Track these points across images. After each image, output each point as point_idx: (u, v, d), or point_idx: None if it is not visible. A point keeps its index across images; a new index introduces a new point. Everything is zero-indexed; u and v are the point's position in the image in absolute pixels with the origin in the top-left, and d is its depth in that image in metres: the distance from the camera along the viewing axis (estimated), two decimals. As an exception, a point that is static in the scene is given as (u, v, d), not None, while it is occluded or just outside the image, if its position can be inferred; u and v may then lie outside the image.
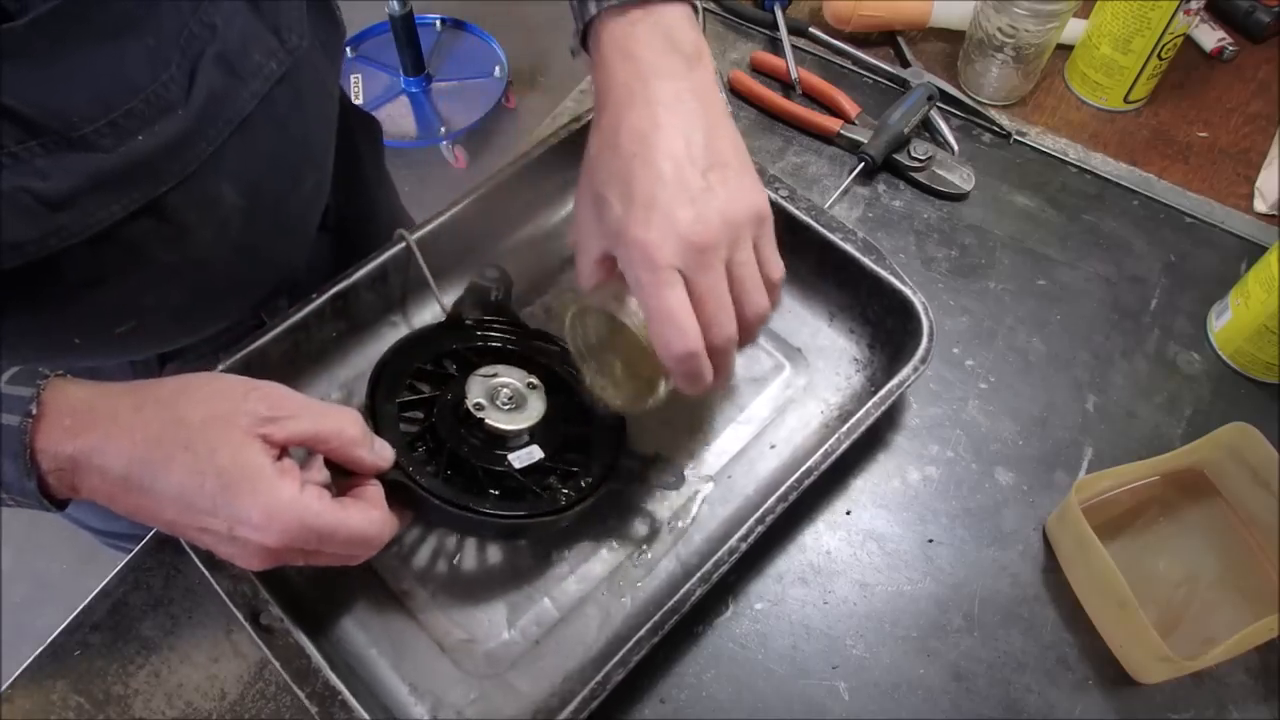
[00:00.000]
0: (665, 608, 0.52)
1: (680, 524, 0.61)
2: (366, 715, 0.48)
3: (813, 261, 0.67)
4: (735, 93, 0.85)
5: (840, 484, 0.64)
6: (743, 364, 0.67)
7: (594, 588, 0.58)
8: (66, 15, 0.42)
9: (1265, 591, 0.60)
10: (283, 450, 0.46)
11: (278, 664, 0.49)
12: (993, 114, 0.82)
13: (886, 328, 0.66)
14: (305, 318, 0.61)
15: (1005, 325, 0.71)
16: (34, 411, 0.43)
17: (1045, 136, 0.82)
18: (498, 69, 2.13)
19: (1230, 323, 0.68)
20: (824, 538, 0.62)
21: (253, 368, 0.58)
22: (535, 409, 0.57)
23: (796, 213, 0.66)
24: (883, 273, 0.64)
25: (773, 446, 0.64)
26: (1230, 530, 0.62)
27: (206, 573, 0.51)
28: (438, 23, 2.19)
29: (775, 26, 0.88)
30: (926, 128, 0.82)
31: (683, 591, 0.52)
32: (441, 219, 0.65)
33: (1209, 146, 0.82)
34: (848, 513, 0.63)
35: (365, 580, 0.58)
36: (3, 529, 1.62)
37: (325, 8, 0.64)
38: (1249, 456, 0.60)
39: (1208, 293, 0.72)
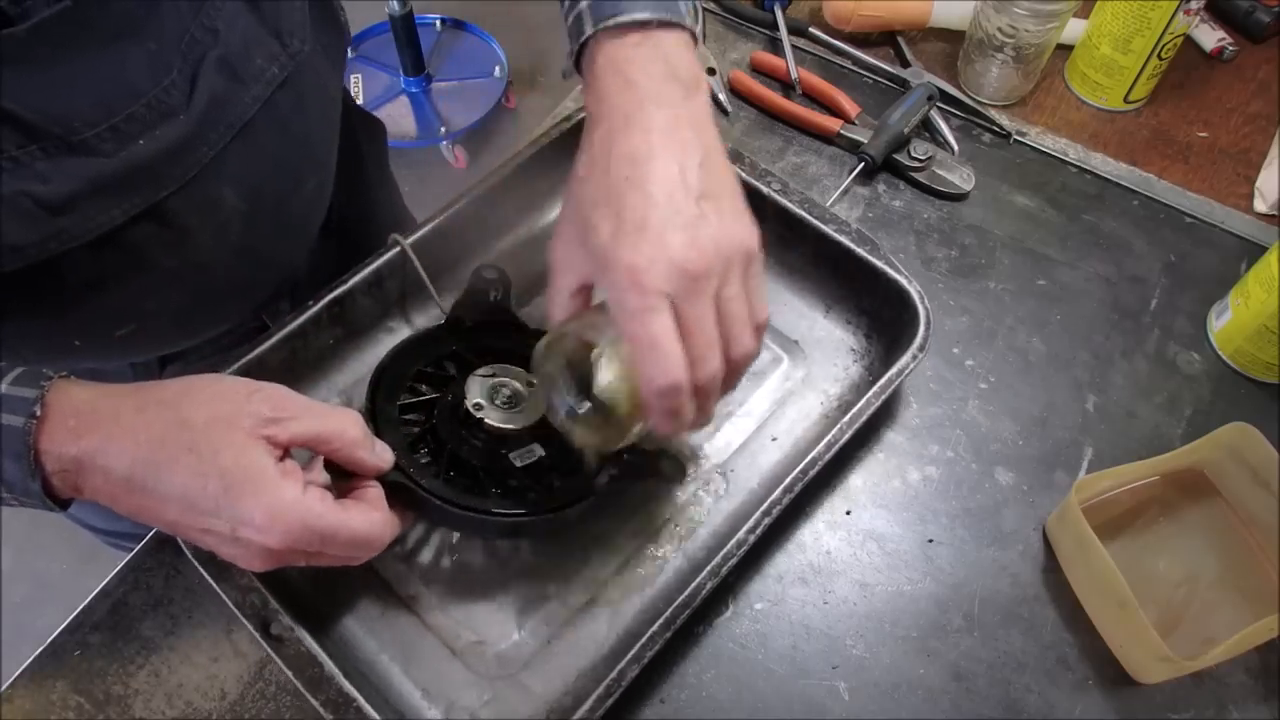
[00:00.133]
0: (676, 603, 0.52)
1: (685, 519, 0.61)
2: (382, 721, 0.48)
3: (808, 254, 0.68)
4: (735, 93, 0.85)
5: (840, 484, 0.64)
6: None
7: (602, 585, 0.59)
8: (68, 20, 0.42)
9: (1265, 591, 0.60)
10: (285, 451, 0.46)
11: (290, 673, 0.49)
12: (993, 114, 0.82)
13: (883, 318, 0.67)
14: (302, 325, 0.61)
15: (1005, 325, 0.71)
16: (38, 413, 0.43)
17: (1045, 136, 0.82)
18: (498, 69, 2.13)
19: (1230, 323, 0.68)
20: (824, 538, 0.62)
21: (251, 376, 0.58)
22: (535, 408, 0.57)
23: (790, 206, 0.67)
24: (878, 263, 0.64)
25: (774, 439, 0.64)
26: (1230, 530, 0.62)
27: (215, 585, 0.51)
28: (438, 23, 2.19)
29: (775, 26, 0.88)
30: (926, 128, 0.82)
31: (693, 586, 0.52)
32: (435, 222, 0.65)
33: (1209, 146, 0.82)
34: (848, 513, 0.63)
35: (373, 586, 0.58)
36: (3, 529, 1.62)
37: (328, 11, 0.64)
38: (1249, 456, 0.60)
39: (1208, 293, 0.72)
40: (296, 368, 0.62)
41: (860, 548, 0.62)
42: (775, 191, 0.67)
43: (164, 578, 0.59)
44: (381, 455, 0.50)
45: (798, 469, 0.56)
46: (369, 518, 0.48)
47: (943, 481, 0.64)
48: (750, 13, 0.90)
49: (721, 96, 0.84)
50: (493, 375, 0.57)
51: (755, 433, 0.65)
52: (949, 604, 0.60)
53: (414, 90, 2.09)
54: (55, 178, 0.44)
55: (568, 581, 0.59)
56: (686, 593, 0.52)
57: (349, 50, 2.12)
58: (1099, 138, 0.82)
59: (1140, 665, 0.56)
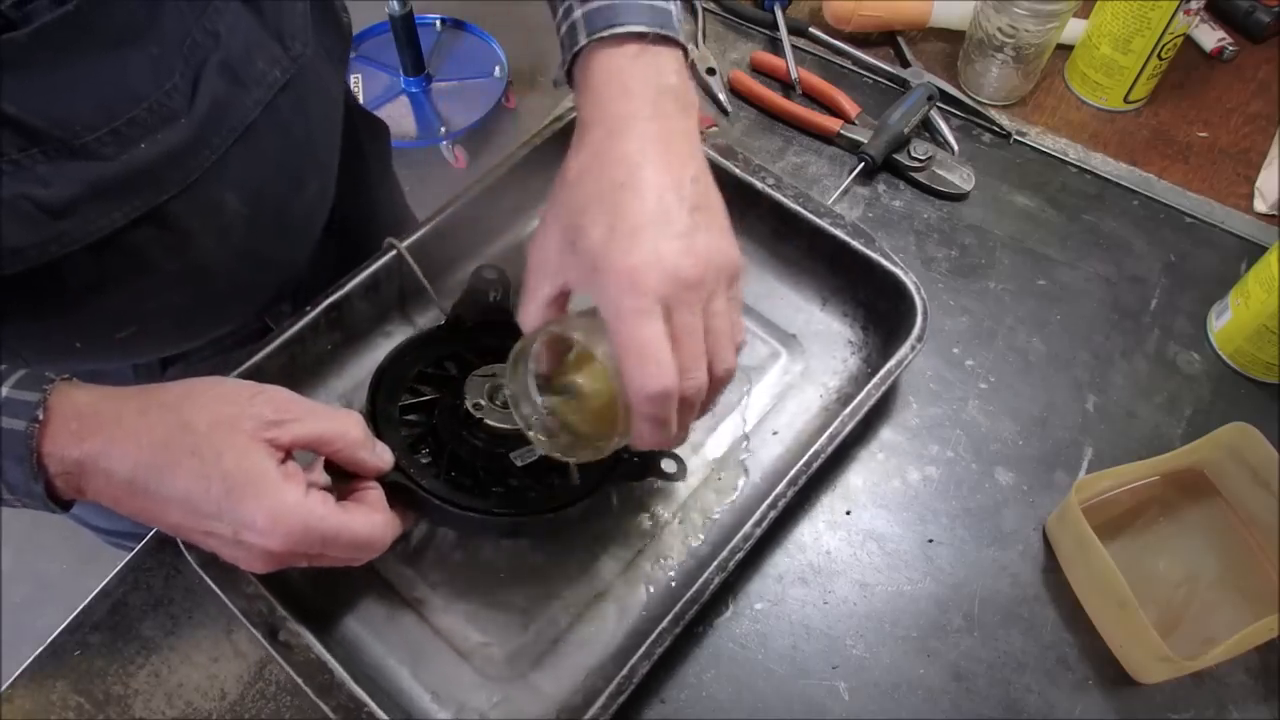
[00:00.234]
0: (685, 598, 0.52)
1: (689, 515, 0.61)
2: (393, 725, 0.48)
3: (803, 247, 0.68)
4: (735, 93, 0.85)
5: (840, 484, 0.64)
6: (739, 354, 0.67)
7: (608, 583, 0.59)
8: (70, 25, 0.42)
9: (1265, 591, 0.60)
10: (287, 454, 0.46)
11: (300, 680, 0.49)
12: (993, 114, 0.82)
13: (879, 310, 0.67)
14: (300, 330, 0.61)
15: (1005, 325, 0.71)
16: (40, 417, 0.43)
17: (1045, 136, 0.82)
18: (498, 69, 2.13)
19: (1230, 323, 0.69)
20: (824, 538, 0.62)
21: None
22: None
23: (784, 200, 0.67)
24: (873, 255, 0.65)
25: (775, 433, 0.65)
26: (1230, 530, 0.62)
27: (221, 594, 0.51)
28: (438, 23, 2.19)
29: (775, 26, 0.88)
30: (926, 128, 0.82)
31: (701, 580, 0.53)
32: (431, 225, 0.65)
33: (1209, 146, 0.82)
34: (848, 513, 0.63)
35: (379, 589, 0.58)
36: (3, 529, 1.62)
37: (330, 13, 0.64)
38: (1249, 456, 0.60)
39: (1208, 293, 0.72)
40: (295, 373, 0.62)
41: (860, 548, 0.62)
42: (769, 186, 0.67)
43: (164, 578, 0.59)
44: (381, 456, 0.51)
45: (801, 462, 0.56)
46: (370, 520, 0.48)
47: (943, 481, 0.64)
48: (750, 13, 0.90)
49: (721, 96, 0.84)
50: (492, 375, 0.57)
51: (756, 427, 0.65)
52: (949, 604, 0.60)
53: (414, 90, 2.09)
54: (56, 181, 0.44)
55: (573, 580, 0.59)
56: (695, 588, 0.52)
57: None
58: (1099, 138, 0.82)
59: (1140, 665, 0.56)
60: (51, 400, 0.43)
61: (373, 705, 0.48)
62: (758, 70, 0.87)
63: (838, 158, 0.81)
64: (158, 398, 0.45)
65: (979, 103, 0.83)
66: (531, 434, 0.50)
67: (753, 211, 0.68)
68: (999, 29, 0.79)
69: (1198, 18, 0.87)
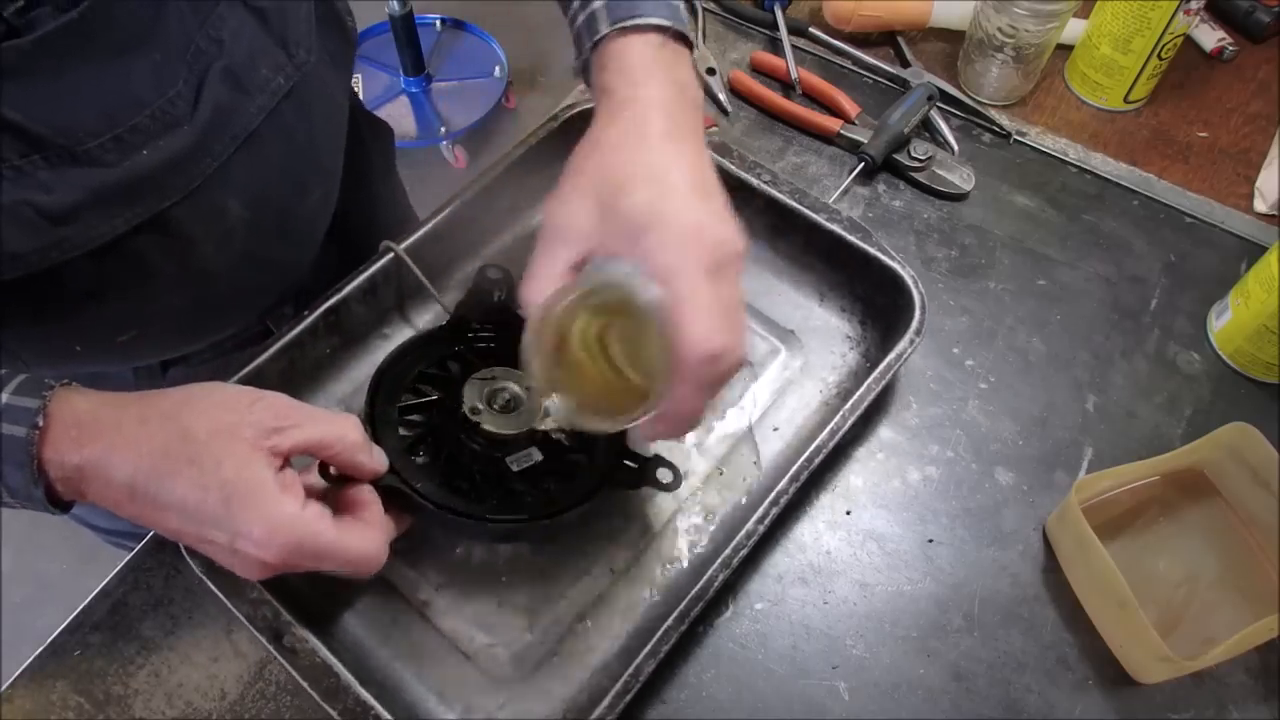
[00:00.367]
0: (689, 595, 0.52)
1: (691, 513, 0.61)
2: (401, 728, 0.48)
3: (800, 243, 0.68)
4: (735, 93, 0.85)
5: (840, 484, 0.64)
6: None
7: (612, 583, 0.59)
8: (73, 32, 0.42)
9: (1265, 591, 0.60)
10: (285, 460, 0.46)
11: (306, 684, 0.49)
12: (993, 114, 0.82)
13: (877, 304, 0.67)
14: (299, 335, 0.61)
15: (1005, 325, 0.71)
16: (40, 423, 0.43)
17: (1045, 136, 0.82)
18: (498, 69, 2.13)
19: (1230, 323, 0.69)
20: (824, 538, 0.62)
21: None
22: (533, 412, 0.57)
23: (780, 196, 0.67)
24: (870, 249, 0.65)
25: (775, 429, 0.65)
26: (1230, 530, 0.62)
27: (225, 600, 0.51)
28: (438, 23, 2.19)
29: (775, 26, 0.88)
30: (926, 128, 0.82)
31: (705, 578, 0.53)
32: (428, 226, 0.65)
33: (1209, 146, 0.82)
34: (848, 513, 0.63)
35: (383, 593, 0.58)
36: (3, 529, 1.62)
37: (335, 19, 0.64)
38: (1249, 456, 0.60)
39: (1208, 293, 0.72)
40: (295, 378, 0.62)
41: (860, 548, 0.62)
42: (765, 183, 0.68)
43: (164, 578, 0.59)
44: (378, 459, 0.51)
45: (802, 458, 0.56)
46: (365, 538, 0.48)
47: (943, 481, 0.64)
48: (750, 13, 0.90)
49: (721, 96, 0.84)
50: (491, 379, 0.57)
51: (756, 423, 0.65)
52: (949, 604, 0.60)
53: (414, 90, 2.09)
54: (58, 187, 0.44)
55: (576, 581, 0.59)
56: (699, 585, 0.52)
57: (349, 51, 2.12)
58: (1099, 138, 0.82)
59: (1140, 665, 0.56)
60: (51, 406, 0.43)
61: (379, 708, 0.48)
62: (758, 70, 0.87)
63: (838, 158, 0.81)
64: (157, 405, 0.45)
65: (979, 103, 0.83)
66: (550, 401, 0.49)
67: (749, 208, 0.68)
68: (999, 29, 0.79)
69: (1198, 18, 0.87)
